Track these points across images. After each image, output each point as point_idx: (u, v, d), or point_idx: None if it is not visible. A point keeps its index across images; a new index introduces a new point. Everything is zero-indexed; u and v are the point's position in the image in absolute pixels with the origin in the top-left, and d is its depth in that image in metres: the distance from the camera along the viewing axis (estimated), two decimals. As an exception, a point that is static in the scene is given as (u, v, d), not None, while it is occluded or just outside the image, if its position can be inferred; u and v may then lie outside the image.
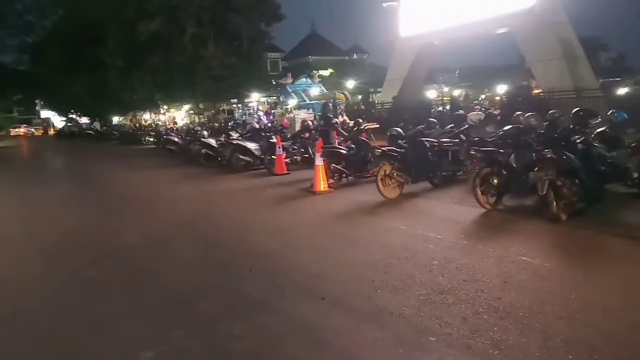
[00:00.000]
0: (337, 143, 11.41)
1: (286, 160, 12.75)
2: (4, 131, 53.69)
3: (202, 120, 34.69)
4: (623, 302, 3.93)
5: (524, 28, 19.30)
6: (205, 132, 18.05)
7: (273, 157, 12.65)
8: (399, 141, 9.41)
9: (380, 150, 8.95)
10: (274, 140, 12.92)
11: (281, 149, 12.51)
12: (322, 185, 9.40)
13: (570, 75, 17.91)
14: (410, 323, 3.72)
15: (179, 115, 40.66)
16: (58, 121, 63.89)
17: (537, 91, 20.44)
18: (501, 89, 30.71)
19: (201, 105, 36.93)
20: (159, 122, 39.68)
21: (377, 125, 13.14)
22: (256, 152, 13.45)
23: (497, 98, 24.22)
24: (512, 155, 6.82)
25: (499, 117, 10.73)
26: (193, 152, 16.17)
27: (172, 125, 34.15)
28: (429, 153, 8.98)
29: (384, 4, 27.32)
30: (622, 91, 22.36)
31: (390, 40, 26.75)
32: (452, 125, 10.72)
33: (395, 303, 4.08)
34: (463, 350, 3.28)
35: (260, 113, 27.27)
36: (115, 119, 51.35)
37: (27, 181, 15.13)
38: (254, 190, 10.68)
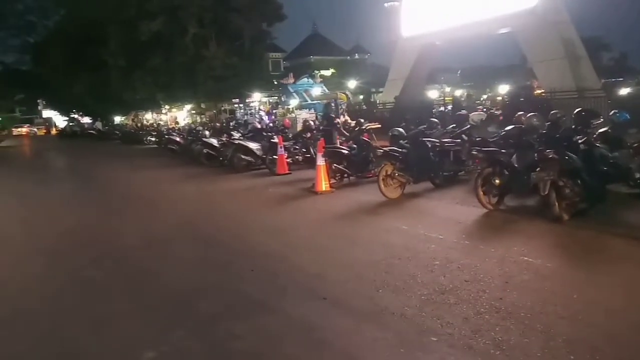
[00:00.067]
0: (338, 143, 11.40)
1: (288, 160, 12.74)
2: (6, 131, 53.77)
3: (204, 120, 34.68)
4: (625, 303, 3.92)
5: (526, 28, 19.28)
6: (207, 132, 18.04)
7: (275, 157, 12.65)
8: (401, 141, 9.40)
9: (381, 151, 8.94)
10: (276, 140, 12.91)
11: (283, 149, 12.50)
12: (323, 185, 9.39)
13: (572, 75, 17.89)
14: (412, 323, 3.71)
15: (181, 115, 40.68)
16: (60, 121, 64.02)
17: (539, 91, 20.42)
18: (503, 89, 30.68)
19: (203, 105, 36.96)
20: (161, 122, 39.72)
21: (379, 125, 13.13)
22: (258, 152, 13.45)
23: (499, 98, 24.20)
24: (514, 156, 6.80)
25: (501, 117, 10.69)
26: (195, 152, 16.17)
27: (173, 125, 34.19)
28: (431, 153, 8.97)
29: (385, 4, 27.32)
30: (624, 91, 22.33)
31: (392, 40, 26.76)
32: (454, 125, 10.70)
33: (396, 303, 4.07)
34: (465, 351, 3.26)
35: (262, 113, 27.26)
36: (117, 119, 51.40)
37: (29, 180, 15.15)
38: (255, 190, 10.67)
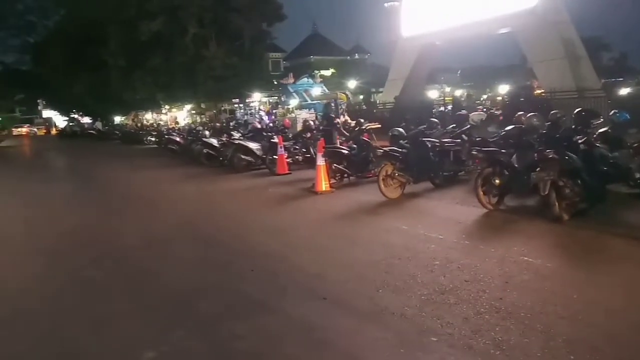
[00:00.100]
0: (338, 143, 11.40)
1: (288, 160, 12.75)
2: (6, 131, 53.76)
3: (204, 120, 34.68)
4: (625, 303, 3.92)
5: (526, 28, 19.28)
6: (207, 132, 18.04)
7: (275, 157, 12.65)
8: (401, 141, 9.40)
9: (381, 151, 8.94)
10: (276, 140, 12.91)
11: (283, 149, 12.51)
12: (323, 185, 9.39)
13: (572, 75, 17.89)
14: (412, 323, 3.71)
15: (181, 115, 40.68)
16: (60, 121, 64.01)
17: (539, 91, 20.42)
18: (503, 89, 30.69)
19: (203, 105, 36.96)
20: (161, 122, 39.71)
21: (379, 125, 13.13)
22: (258, 152, 13.45)
23: (499, 98, 24.20)
24: (514, 156, 6.80)
25: (501, 117, 10.70)
26: (195, 152, 16.17)
27: (173, 125, 34.17)
28: (431, 153, 8.97)
29: (385, 4, 27.32)
30: (624, 91, 22.34)
31: (392, 40, 26.76)
32: (454, 125, 10.70)
33: (396, 303, 4.07)
34: (465, 351, 3.26)
35: (262, 113, 27.26)
36: (117, 119, 51.41)
37: (29, 180, 15.15)
38: (255, 190, 10.67)
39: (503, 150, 6.99)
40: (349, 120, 14.19)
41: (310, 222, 7.41)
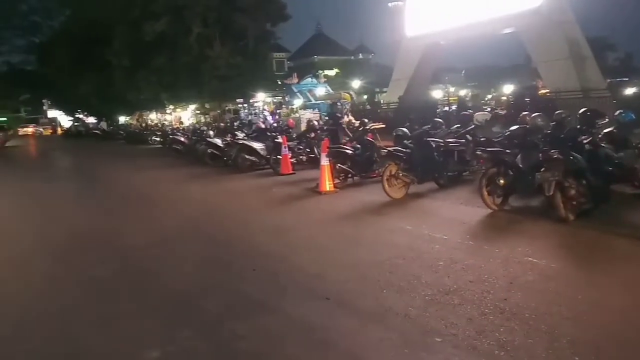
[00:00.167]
0: (342, 143, 11.40)
1: (292, 160, 12.76)
2: (12, 131, 54.01)
3: (208, 120, 34.75)
4: (630, 303, 3.91)
5: (531, 28, 19.21)
6: (211, 132, 18.07)
7: (279, 157, 12.67)
8: (405, 141, 9.38)
9: (386, 151, 8.93)
10: (280, 140, 12.93)
11: (287, 149, 12.52)
12: (327, 185, 9.40)
13: (577, 75, 17.82)
14: (416, 323, 3.71)
15: (185, 115, 40.76)
16: (65, 121, 64.23)
17: (544, 91, 20.33)
18: (508, 89, 30.58)
19: (207, 105, 37.01)
20: (165, 122, 39.79)
21: (383, 125, 13.09)
22: (262, 152, 13.46)
23: (504, 98, 24.12)
24: (519, 156, 6.79)
25: (505, 117, 10.67)
26: (199, 151, 16.20)
27: (178, 125, 34.21)
28: (435, 153, 8.96)
29: (389, 4, 27.30)
30: (629, 91, 22.23)
31: (396, 40, 26.70)
32: (458, 125, 10.69)
33: (400, 303, 4.07)
34: (469, 351, 3.27)
35: (266, 113, 27.28)
36: (122, 119, 51.56)
37: (35, 180, 15.19)
38: (259, 190, 10.69)
39: (508, 151, 6.98)
40: (353, 120, 14.18)
41: (314, 222, 7.42)
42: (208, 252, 6.11)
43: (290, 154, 12.78)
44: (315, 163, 11.80)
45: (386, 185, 8.29)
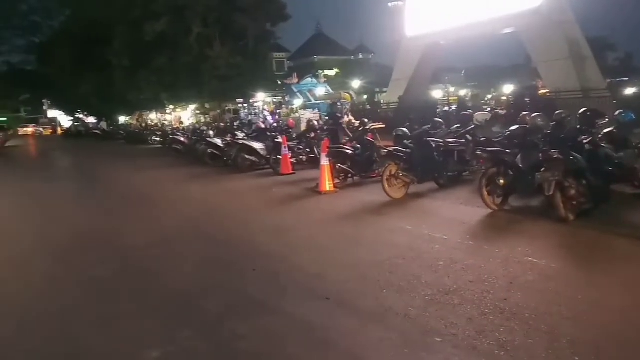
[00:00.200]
0: (342, 143, 11.40)
1: (292, 160, 12.76)
2: (11, 131, 54.02)
3: (208, 120, 34.74)
4: (630, 303, 3.91)
5: (531, 28, 19.21)
6: (211, 132, 18.07)
7: (279, 157, 12.67)
8: (405, 141, 9.38)
9: (386, 151, 8.93)
10: (280, 140, 12.93)
11: (287, 149, 12.52)
12: (327, 185, 9.40)
13: (577, 75, 17.82)
14: (416, 323, 3.71)
15: (185, 115, 40.76)
16: (65, 121, 64.24)
17: (544, 91, 20.33)
18: (508, 89, 30.57)
19: (207, 105, 37.01)
20: (165, 122, 39.78)
21: (383, 125, 13.09)
22: (262, 152, 13.47)
23: (504, 98, 24.11)
24: (519, 156, 6.79)
25: (505, 117, 10.67)
26: (199, 151, 16.20)
27: (178, 125, 34.22)
28: (435, 153, 8.96)
29: (389, 4, 27.30)
30: (629, 91, 22.23)
31: (396, 40, 26.70)
32: (458, 125, 10.69)
33: (400, 303, 4.07)
34: (469, 351, 3.27)
35: (266, 113, 27.28)
36: (122, 119, 51.56)
37: (35, 180, 15.18)
38: (259, 190, 10.69)
39: (508, 151, 6.98)
40: (353, 120, 14.18)
41: (314, 222, 7.42)
42: (208, 252, 6.11)
43: (290, 154, 12.78)
44: (315, 163, 11.80)
45: (386, 185, 8.29)
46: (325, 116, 18.49)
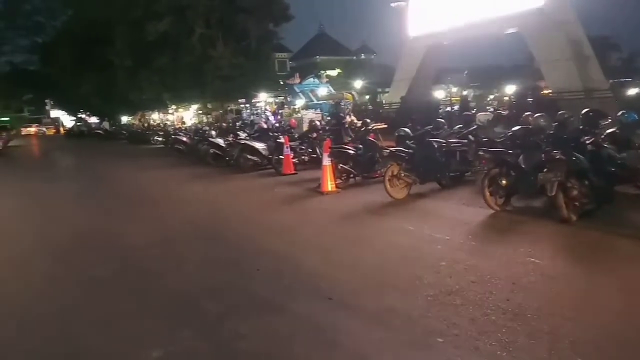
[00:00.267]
0: (345, 143, 11.40)
1: (294, 160, 12.76)
2: (14, 130, 54.14)
3: (210, 120, 34.78)
4: (632, 304, 3.90)
5: (533, 28, 19.20)
6: (213, 132, 18.08)
7: (281, 157, 12.67)
8: (407, 141, 9.38)
9: (388, 151, 8.93)
10: (282, 140, 12.94)
11: (289, 149, 12.52)
12: (329, 185, 9.40)
13: (579, 75, 17.80)
14: (418, 324, 3.71)
15: (188, 115, 40.81)
16: (67, 120, 64.37)
17: (546, 91, 20.31)
18: (510, 89, 30.53)
19: (209, 105, 37.05)
20: (168, 122, 39.85)
21: (385, 126, 13.11)
22: (264, 152, 13.48)
23: (506, 98, 24.09)
24: (521, 156, 6.78)
25: (507, 117, 10.66)
26: (201, 151, 16.22)
27: (180, 125, 34.28)
28: (437, 153, 8.94)
29: (392, 4, 27.27)
30: (632, 91, 22.19)
31: (399, 40, 26.73)
32: (461, 125, 10.67)
33: (403, 304, 4.07)
34: (471, 352, 3.26)
35: (268, 113, 27.30)
36: (124, 119, 51.65)
37: (37, 180, 15.21)
38: (261, 190, 10.70)
39: (510, 151, 6.97)
40: (355, 121, 14.19)
41: (316, 222, 7.42)
42: (211, 252, 6.11)
43: (292, 154, 12.78)
44: (317, 163, 11.81)
45: (388, 186, 8.28)
46: (328, 116, 18.51)
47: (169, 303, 4.51)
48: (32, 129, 62.47)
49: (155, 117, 46.61)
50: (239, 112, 34.92)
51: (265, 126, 16.94)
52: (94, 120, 55.55)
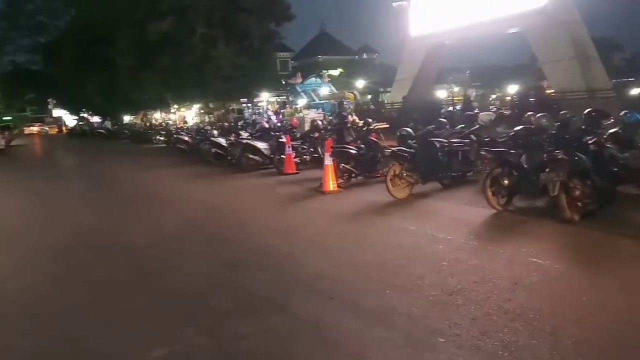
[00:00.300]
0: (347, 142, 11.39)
1: (295, 159, 12.76)
2: (17, 130, 54.27)
3: (212, 119, 34.81)
4: (635, 305, 3.89)
5: (536, 28, 19.15)
6: (215, 132, 18.09)
7: (282, 156, 12.68)
8: (409, 141, 9.38)
9: (390, 150, 8.93)
10: (284, 139, 12.93)
11: (290, 149, 12.52)
12: (331, 185, 9.40)
13: (582, 75, 17.74)
14: (420, 324, 3.70)
15: (189, 115, 40.86)
16: (70, 120, 64.51)
17: (549, 91, 20.25)
18: (512, 89, 30.46)
19: (211, 105, 37.08)
20: (170, 122, 39.90)
21: (387, 125, 13.10)
22: (266, 152, 13.49)
23: (508, 98, 24.03)
24: (523, 156, 6.76)
25: (510, 117, 10.63)
26: (203, 151, 16.24)
27: (182, 125, 34.31)
28: (439, 153, 8.93)
29: (394, 4, 27.27)
30: (635, 91, 22.10)
31: (401, 39, 26.70)
32: (463, 125, 10.65)
33: (404, 303, 4.06)
34: (472, 352, 3.26)
35: (270, 112, 27.31)
36: (126, 118, 51.74)
37: (39, 179, 15.24)
38: (263, 189, 10.70)
39: (512, 151, 6.96)
40: (357, 120, 14.18)
41: (317, 221, 7.42)
42: (213, 252, 6.11)
43: (294, 154, 12.78)
44: (319, 163, 11.79)
45: (390, 185, 8.27)
46: (330, 115, 18.50)
47: (170, 303, 4.51)
48: (35, 128, 62.59)
49: (157, 116, 46.67)
50: (240, 111, 34.93)
51: (267, 126, 16.95)
52: (96, 119, 55.68)
